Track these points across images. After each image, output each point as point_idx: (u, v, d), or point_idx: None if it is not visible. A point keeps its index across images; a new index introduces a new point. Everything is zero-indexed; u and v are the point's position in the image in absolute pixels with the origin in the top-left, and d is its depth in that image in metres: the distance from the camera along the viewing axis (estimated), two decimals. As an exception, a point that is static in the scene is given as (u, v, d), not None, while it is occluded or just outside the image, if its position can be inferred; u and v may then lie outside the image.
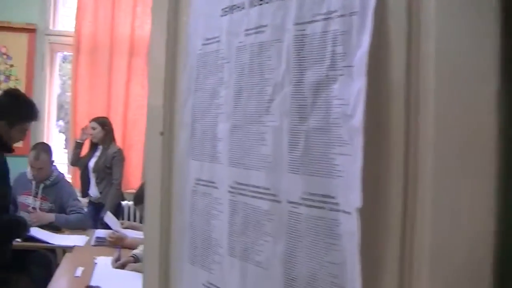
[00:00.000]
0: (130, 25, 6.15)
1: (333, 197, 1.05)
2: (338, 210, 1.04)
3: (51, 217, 4.27)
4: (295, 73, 1.14)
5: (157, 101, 1.65)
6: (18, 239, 3.82)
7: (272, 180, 1.19)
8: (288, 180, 1.15)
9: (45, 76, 6.07)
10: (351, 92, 1.02)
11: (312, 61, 1.11)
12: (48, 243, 4.00)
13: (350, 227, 1.00)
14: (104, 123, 5.53)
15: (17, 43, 5.99)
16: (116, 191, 5.32)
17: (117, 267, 3.44)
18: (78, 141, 5.68)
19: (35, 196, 4.41)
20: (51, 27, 6.09)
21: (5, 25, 5.90)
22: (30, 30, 5.95)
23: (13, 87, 5.91)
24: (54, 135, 6.59)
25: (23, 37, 5.99)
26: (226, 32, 1.35)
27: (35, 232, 4.08)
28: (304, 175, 1.11)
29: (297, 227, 1.14)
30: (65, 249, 3.95)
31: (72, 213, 4.38)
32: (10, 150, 3.07)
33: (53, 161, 4.60)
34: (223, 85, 1.37)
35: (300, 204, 1.12)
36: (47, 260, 3.99)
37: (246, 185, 1.27)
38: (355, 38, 1.02)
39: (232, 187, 1.32)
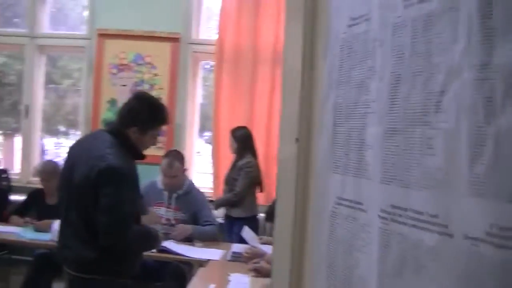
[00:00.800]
0: (274, 32, 5.97)
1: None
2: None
3: (189, 229, 4.14)
4: (480, 53, 0.78)
5: (292, 99, 1.37)
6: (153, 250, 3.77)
7: (442, 204, 0.84)
8: (467, 206, 0.79)
9: (188, 85, 6.11)
10: None
11: (506, 31, 0.75)
12: (183, 255, 3.91)
13: None
14: (235, 133, 5.30)
15: (161, 52, 6.11)
16: (230, 202, 5.01)
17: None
18: None
19: (168, 206, 4.26)
20: (194, 36, 6.14)
21: (150, 34, 6.05)
22: (174, 40, 6.04)
23: (156, 96, 6.05)
24: (197, 145, 6.61)
25: (167, 46, 6.11)
26: (379, 6, 1.03)
27: (170, 244, 4.01)
28: (491, 200, 0.75)
29: (478, 274, 0.77)
30: (200, 263, 3.82)
31: (206, 224, 4.23)
32: (142, 157, 2.97)
33: (185, 170, 4.45)
34: (374, 76, 1.04)
35: (485, 241, 0.76)
36: (181, 272, 3.90)
37: (404, 209, 0.93)
38: None
39: (384, 211, 0.99)
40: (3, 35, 6.31)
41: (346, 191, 1.12)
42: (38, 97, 6.35)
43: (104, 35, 6.12)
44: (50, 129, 12.62)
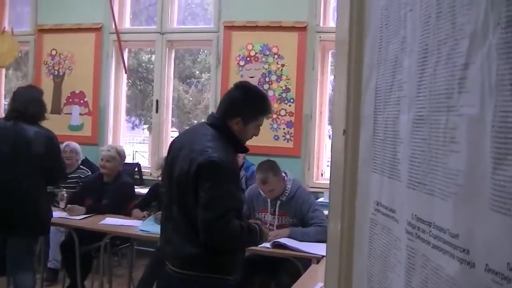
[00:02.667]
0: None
1: None
2: None
3: (286, 232, 3.93)
4: (508, 5, 0.55)
5: (340, 85, 1.16)
6: (267, 245, 3.66)
7: (464, 220, 0.62)
8: (490, 225, 0.56)
9: (316, 74, 5.89)
10: None
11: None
12: (299, 250, 3.75)
13: None
14: None
15: (288, 42, 5.93)
16: None
17: None
18: None
19: (273, 213, 4.08)
20: (322, 24, 5.89)
21: (276, 24, 5.93)
22: (300, 29, 5.84)
23: (284, 87, 5.92)
24: (326, 136, 6.37)
25: (294, 36, 5.93)
26: (411, -41, 0.80)
27: (285, 240, 3.87)
28: (519, 218, 0.52)
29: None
30: (318, 259, 3.64)
31: (313, 225, 4.00)
32: (245, 149, 2.85)
33: (284, 177, 4.13)
34: (406, 49, 0.82)
35: (508, 279, 0.52)
36: (296, 268, 3.75)
37: (428, 223, 0.71)
38: None
39: (410, 224, 0.77)
40: (136, 33, 6.60)
41: (383, 195, 0.91)
42: (168, 92, 6.54)
43: (231, 27, 6.13)
44: (191, 123, 13.20)
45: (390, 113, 0.88)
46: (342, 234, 1.13)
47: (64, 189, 4.70)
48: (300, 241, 3.90)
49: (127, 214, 4.58)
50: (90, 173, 5.30)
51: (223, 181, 2.53)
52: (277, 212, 4.11)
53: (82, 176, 5.24)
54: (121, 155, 4.90)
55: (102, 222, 4.40)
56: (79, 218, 4.47)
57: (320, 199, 5.28)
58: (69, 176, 5.24)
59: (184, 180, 2.56)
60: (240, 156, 5.37)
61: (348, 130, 1.11)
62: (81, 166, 5.39)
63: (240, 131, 2.70)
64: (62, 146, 5.33)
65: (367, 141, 1.00)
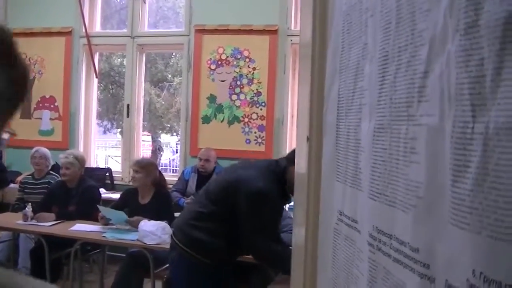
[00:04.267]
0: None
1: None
2: None
3: None
4: (465, 8, 0.53)
5: (304, 91, 1.14)
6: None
7: (424, 233, 0.59)
8: (449, 240, 0.54)
9: (288, 78, 5.88)
10: None
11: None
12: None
13: None
14: None
15: (259, 46, 5.91)
16: None
17: None
18: None
19: None
20: (292, 27, 5.89)
21: (247, 28, 5.90)
22: (271, 32, 5.83)
23: (255, 91, 5.90)
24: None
25: (265, 40, 5.91)
26: (370, -36, 0.78)
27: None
28: (479, 234, 0.49)
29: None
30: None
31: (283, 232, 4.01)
32: (289, 198, 2.87)
33: None
34: (367, 55, 0.80)
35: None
36: (268, 273, 3.72)
37: (389, 235, 0.68)
38: None
39: (371, 236, 0.74)
40: (106, 36, 6.50)
41: (345, 205, 0.88)
42: (140, 96, 6.46)
43: (202, 31, 6.09)
44: (163, 127, 13.09)
45: (352, 121, 0.85)
46: (306, 242, 1.11)
47: (28, 205, 4.62)
48: None
49: (96, 218, 4.50)
50: (59, 177, 5.22)
51: (267, 211, 2.67)
52: None
53: (52, 182, 5.15)
54: (79, 160, 4.84)
55: (72, 228, 4.32)
56: (48, 225, 4.38)
57: (292, 203, 5.26)
58: (39, 182, 5.14)
59: (220, 193, 2.73)
60: (212, 161, 5.34)
61: (312, 138, 1.08)
62: (51, 172, 5.29)
63: (291, 180, 2.74)
64: (32, 151, 5.24)
65: (330, 149, 0.97)
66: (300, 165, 1.15)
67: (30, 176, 5.28)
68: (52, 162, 5.37)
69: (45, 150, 5.32)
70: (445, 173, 0.55)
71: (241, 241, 2.69)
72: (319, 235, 1.03)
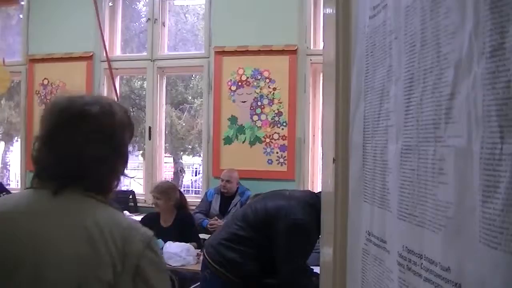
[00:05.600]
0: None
1: None
2: None
3: None
4: (490, 32, 0.54)
5: (329, 112, 1.15)
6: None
7: (455, 253, 0.60)
8: (480, 260, 0.54)
9: (308, 97, 5.90)
10: None
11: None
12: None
13: None
14: None
15: (279, 66, 5.93)
16: None
17: None
18: None
19: None
20: (312, 47, 5.92)
21: (266, 48, 5.95)
22: (291, 52, 5.87)
23: (276, 111, 5.92)
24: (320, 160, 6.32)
25: (284, 59, 5.96)
26: (393, -12, 0.80)
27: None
28: (510, 253, 0.50)
29: None
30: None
31: None
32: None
33: None
34: (392, 77, 0.81)
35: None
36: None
37: (419, 255, 0.69)
38: None
39: (401, 256, 0.75)
40: (126, 60, 6.60)
41: (374, 225, 0.89)
42: (161, 118, 6.52)
43: (221, 52, 6.15)
44: (185, 148, 13.17)
45: (379, 142, 0.87)
46: (334, 262, 1.11)
47: None
48: None
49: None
50: None
51: (305, 241, 2.77)
52: None
53: None
54: None
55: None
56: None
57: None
58: None
59: (261, 219, 2.81)
60: (234, 182, 5.36)
61: (338, 158, 1.09)
62: None
63: None
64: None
65: (357, 170, 0.98)
66: (327, 185, 1.16)
67: None
68: None
69: None
70: (474, 194, 0.56)
71: (273, 266, 2.76)
72: (348, 255, 1.04)
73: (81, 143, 1.10)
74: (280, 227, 2.70)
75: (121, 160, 1.20)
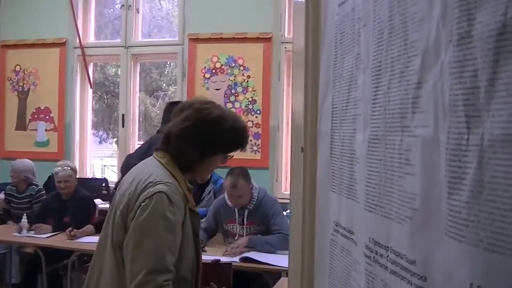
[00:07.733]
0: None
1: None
2: None
3: (245, 240, 3.90)
4: (457, 19, 0.52)
5: (298, 100, 1.13)
6: (236, 260, 3.61)
7: (421, 246, 0.59)
8: (446, 253, 0.53)
9: (282, 85, 5.88)
10: None
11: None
12: (268, 264, 3.71)
13: None
14: None
15: (253, 54, 5.92)
16: None
17: None
18: None
19: (241, 223, 4.02)
20: (286, 35, 5.90)
21: (241, 36, 5.91)
22: (265, 40, 5.84)
23: (250, 99, 5.90)
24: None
25: (259, 47, 5.93)
26: (362, -26, 0.78)
27: (253, 254, 3.82)
28: (476, 247, 0.49)
29: None
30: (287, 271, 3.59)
31: (275, 233, 3.97)
32: None
33: (252, 187, 4.09)
34: (360, 66, 0.79)
35: (466, 312, 0.49)
36: (265, 281, 3.71)
37: (385, 247, 0.68)
38: None
39: (368, 248, 0.74)
40: (100, 47, 6.49)
41: (341, 215, 0.88)
42: (134, 106, 6.45)
43: (196, 40, 6.09)
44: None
45: (347, 131, 0.85)
46: (303, 252, 1.10)
47: (24, 216, 4.59)
48: (259, 250, 3.88)
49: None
50: (41, 186, 5.24)
51: None
52: (245, 221, 4.06)
53: (33, 193, 5.16)
54: (75, 170, 4.86)
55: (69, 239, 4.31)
56: (45, 237, 4.37)
57: (288, 211, 5.26)
58: (22, 195, 5.20)
59: None
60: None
61: (307, 148, 1.08)
62: (33, 183, 5.28)
63: None
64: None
65: (325, 159, 0.97)
66: (296, 175, 1.14)
67: (14, 188, 5.26)
68: (35, 174, 5.36)
69: (20, 163, 5.30)
70: (441, 185, 0.54)
71: None
72: (316, 246, 1.03)
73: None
74: None
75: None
